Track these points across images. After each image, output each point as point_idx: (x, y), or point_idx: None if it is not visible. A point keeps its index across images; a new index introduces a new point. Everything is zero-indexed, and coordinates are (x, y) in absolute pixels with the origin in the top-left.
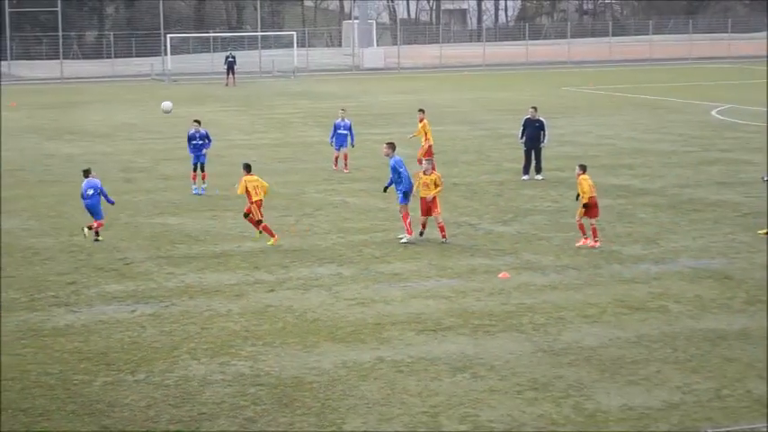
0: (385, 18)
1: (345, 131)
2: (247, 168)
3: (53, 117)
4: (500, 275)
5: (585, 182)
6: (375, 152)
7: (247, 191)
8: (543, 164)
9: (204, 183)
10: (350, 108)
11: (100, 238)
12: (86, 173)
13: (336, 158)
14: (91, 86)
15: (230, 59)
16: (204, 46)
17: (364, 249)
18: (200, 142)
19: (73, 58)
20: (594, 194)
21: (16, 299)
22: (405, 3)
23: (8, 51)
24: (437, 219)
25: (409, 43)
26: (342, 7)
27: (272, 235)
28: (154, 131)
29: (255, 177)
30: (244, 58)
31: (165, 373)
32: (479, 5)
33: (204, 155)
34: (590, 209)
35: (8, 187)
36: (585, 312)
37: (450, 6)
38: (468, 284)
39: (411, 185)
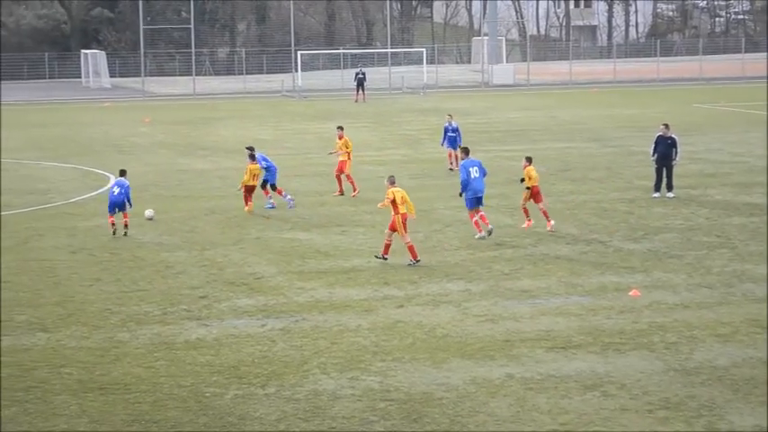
0: (514, 35)
1: (455, 134)
2: (392, 181)
3: (186, 133)
4: (631, 293)
5: (532, 171)
6: (505, 169)
7: (393, 202)
8: (674, 181)
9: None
10: (479, 124)
11: (124, 233)
12: (122, 173)
13: (450, 156)
14: (223, 102)
15: (360, 76)
16: (334, 62)
17: (493, 266)
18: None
19: (205, 75)
20: (537, 184)
21: (149, 312)
22: (534, 19)
23: (142, 68)
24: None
25: (539, 60)
26: (471, 24)
27: (414, 256)
28: (284, 147)
29: (401, 190)
30: (373, 74)
31: (295, 387)
32: (610, 22)
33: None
34: (535, 195)
35: (142, 202)
36: (718, 331)
37: (580, 23)
38: (598, 302)
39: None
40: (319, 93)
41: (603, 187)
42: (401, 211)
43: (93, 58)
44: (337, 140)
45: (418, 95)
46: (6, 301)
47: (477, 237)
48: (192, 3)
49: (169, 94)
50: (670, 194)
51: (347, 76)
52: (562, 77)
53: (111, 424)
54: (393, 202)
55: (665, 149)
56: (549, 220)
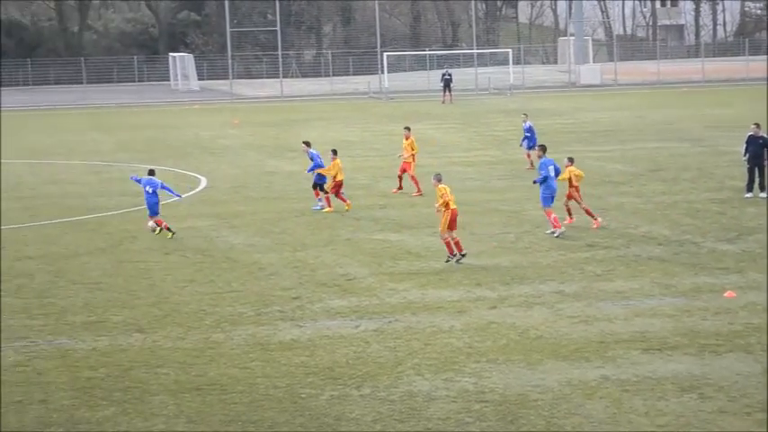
0: (600, 34)
1: (529, 134)
2: (439, 179)
3: (274, 134)
4: (726, 294)
5: (575, 170)
6: (595, 170)
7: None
8: (767, 181)
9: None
10: (566, 125)
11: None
12: (151, 172)
13: (528, 156)
14: (310, 104)
15: (446, 77)
16: (420, 64)
17: (586, 267)
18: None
19: (292, 77)
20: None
21: (243, 313)
22: (621, 19)
23: (230, 70)
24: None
25: (626, 59)
26: (557, 24)
27: (460, 249)
28: (372, 149)
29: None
30: (459, 75)
31: (390, 389)
32: (697, 21)
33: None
34: (575, 194)
35: (232, 203)
36: None
37: (668, 22)
38: (692, 303)
39: (553, 188)
40: (406, 94)
41: (695, 187)
42: (452, 207)
43: (182, 61)
44: (404, 140)
45: (505, 96)
46: (102, 302)
47: (549, 232)
48: (278, 5)
49: (256, 96)
50: (762, 195)
51: (433, 78)
52: (650, 77)
53: (209, 424)
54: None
55: (756, 149)
56: (570, 217)
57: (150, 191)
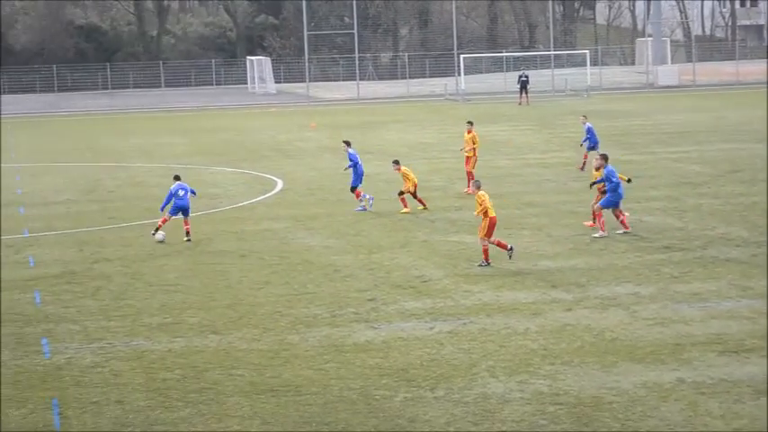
0: (679, 35)
1: (587, 135)
2: (478, 186)
3: (351, 137)
4: None
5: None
6: (671, 170)
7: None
8: None
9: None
10: (644, 126)
11: (189, 238)
12: (177, 178)
13: (585, 157)
14: (386, 107)
15: (523, 79)
16: (497, 65)
17: (662, 268)
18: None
19: (369, 79)
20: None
21: (318, 314)
22: (699, 19)
23: (307, 73)
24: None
25: (704, 60)
26: (635, 25)
27: (487, 258)
28: (448, 150)
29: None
30: (536, 77)
31: (464, 390)
32: None
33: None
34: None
35: (308, 206)
36: None
37: (747, 22)
38: None
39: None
40: (482, 96)
41: None
42: (491, 215)
43: (259, 64)
44: (465, 135)
45: (582, 98)
46: (178, 303)
47: (597, 235)
48: (354, 8)
49: (333, 98)
50: None
51: (510, 79)
52: (728, 78)
53: (283, 425)
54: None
55: None
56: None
57: (182, 194)
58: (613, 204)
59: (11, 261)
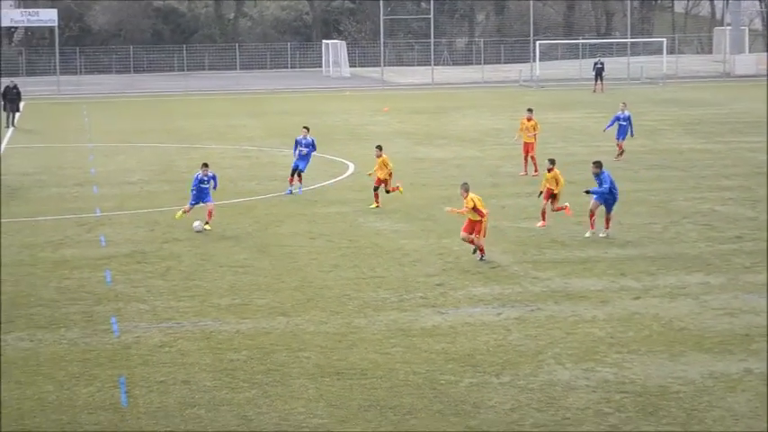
0: (758, 24)
1: (626, 123)
2: (466, 189)
3: (424, 122)
4: None
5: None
6: (747, 161)
7: (476, 208)
8: None
9: (300, 184)
10: (720, 115)
11: (208, 227)
12: (205, 165)
13: (620, 147)
14: (460, 92)
15: (599, 66)
16: (572, 52)
17: (733, 258)
18: (305, 150)
19: (443, 65)
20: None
21: (386, 298)
22: None
23: (382, 57)
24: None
25: None
26: (713, 13)
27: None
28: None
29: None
30: (612, 64)
31: (529, 377)
32: None
33: (305, 162)
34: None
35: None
36: None
37: None
38: None
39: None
40: (557, 83)
41: None
42: (485, 213)
43: (334, 48)
44: (525, 122)
45: (657, 86)
46: (247, 285)
47: (603, 235)
48: None
49: (407, 83)
50: None
51: (585, 66)
52: None
53: (348, 408)
54: (475, 207)
55: None
56: (543, 220)
57: (205, 180)
58: (603, 202)
59: (83, 240)
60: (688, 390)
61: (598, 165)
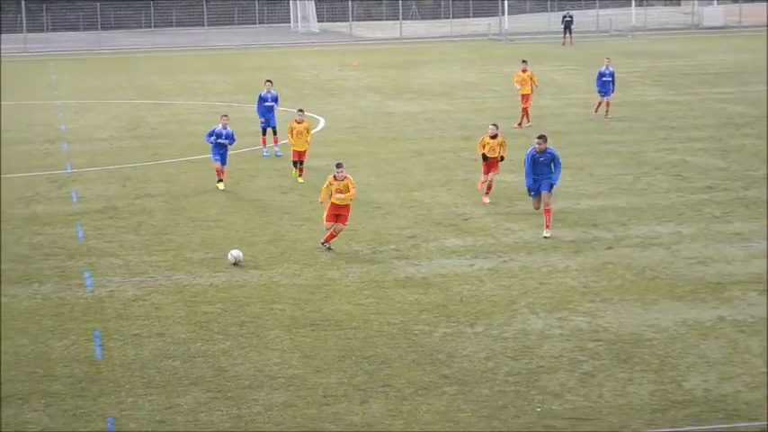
0: None
1: (609, 79)
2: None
3: (393, 76)
4: None
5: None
6: (715, 111)
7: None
8: None
9: (276, 145)
10: (688, 66)
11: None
12: (225, 116)
13: (599, 104)
14: (429, 47)
15: (567, 19)
16: (541, 6)
17: (704, 208)
18: (272, 104)
19: (411, 19)
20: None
21: (359, 251)
22: None
23: (350, 12)
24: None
25: (751, 0)
26: None
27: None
28: (491, 90)
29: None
30: (581, 17)
31: (503, 326)
32: None
33: (273, 117)
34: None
35: (350, 144)
36: None
37: None
38: None
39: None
40: (526, 36)
41: None
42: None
43: (302, 4)
44: (521, 74)
45: (626, 38)
46: (220, 239)
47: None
48: None
49: (376, 38)
50: None
51: (554, 20)
52: None
53: (323, 359)
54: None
55: None
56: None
57: (222, 136)
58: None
59: (54, 196)
60: (661, 337)
61: (544, 139)
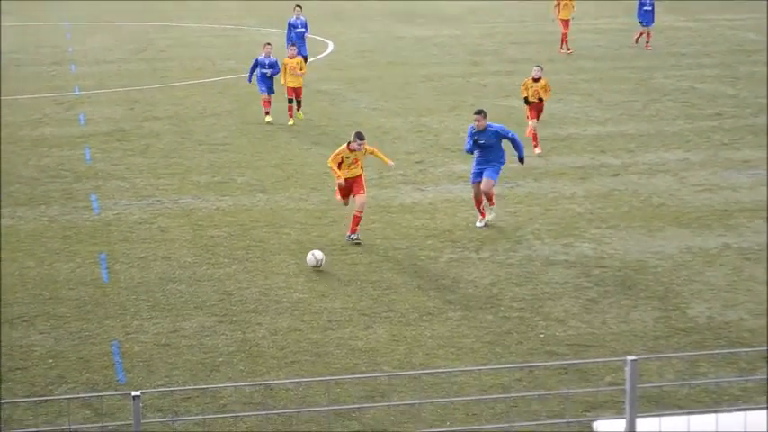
0: None
1: (650, 7)
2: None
3: (404, 1)
4: None
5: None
6: (726, 37)
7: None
8: None
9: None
10: None
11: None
12: (268, 45)
13: (640, 35)
14: None
15: None
16: None
17: (713, 135)
18: (302, 30)
19: None
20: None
21: (366, 176)
22: None
23: None
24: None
25: None
26: None
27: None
28: (502, 15)
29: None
30: None
31: (508, 252)
32: None
33: (305, 46)
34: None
35: (358, 68)
36: None
37: None
38: None
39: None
40: None
41: None
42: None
43: None
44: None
45: None
46: (227, 162)
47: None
48: None
49: None
50: None
51: None
52: None
53: (328, 283)
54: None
55: None
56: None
57: (266, 65)
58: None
59: (61, 118)
60: (666, 264)
61: (483, 115)
